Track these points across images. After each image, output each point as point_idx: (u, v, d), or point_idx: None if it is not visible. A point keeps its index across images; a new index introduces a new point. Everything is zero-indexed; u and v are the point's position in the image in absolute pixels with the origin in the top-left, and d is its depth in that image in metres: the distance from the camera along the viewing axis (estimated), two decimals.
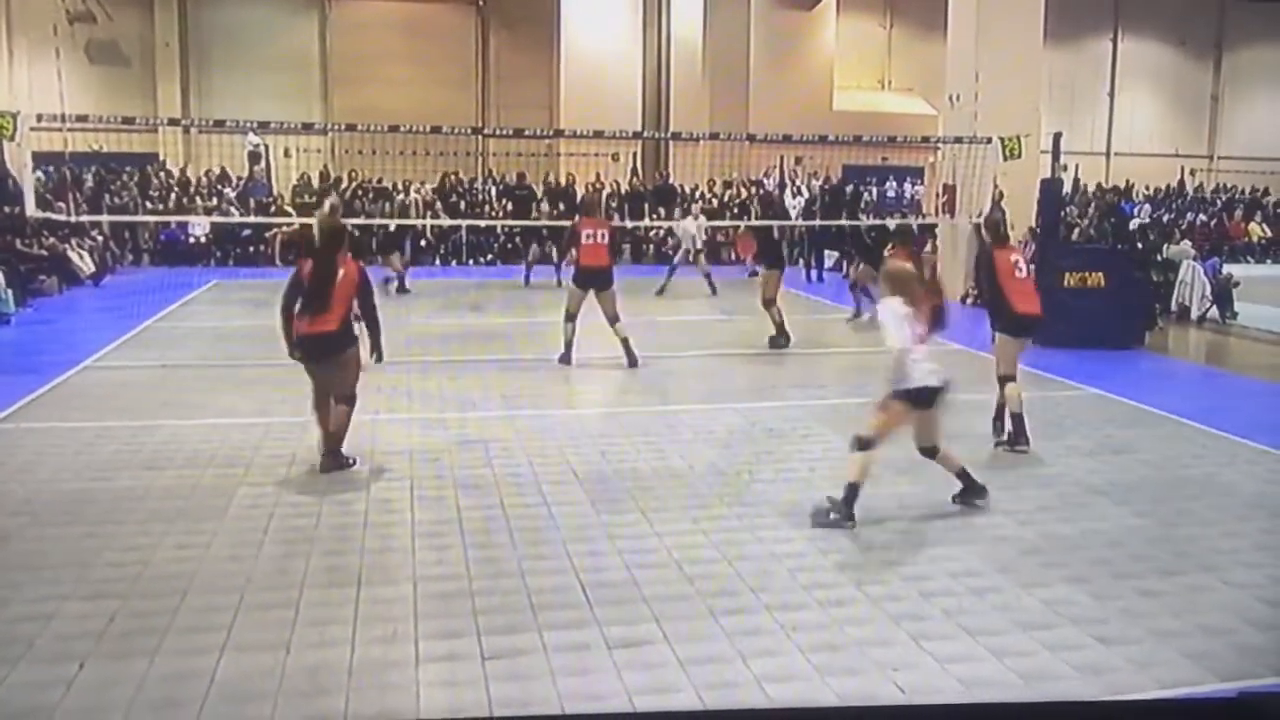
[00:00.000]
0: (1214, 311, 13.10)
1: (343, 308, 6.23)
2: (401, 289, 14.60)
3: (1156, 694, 3.78)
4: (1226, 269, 13.88)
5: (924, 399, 5.40)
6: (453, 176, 20.52)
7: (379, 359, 6.56)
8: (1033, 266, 7.32)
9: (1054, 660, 3.99)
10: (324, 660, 3.92)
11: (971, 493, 5.72)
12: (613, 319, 9.54)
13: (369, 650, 3.99)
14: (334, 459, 6.27)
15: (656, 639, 4.09)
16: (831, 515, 5.38)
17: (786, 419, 7.57)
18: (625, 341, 9.50)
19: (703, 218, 17.92)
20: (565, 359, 9.59)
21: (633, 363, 9.44)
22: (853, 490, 5.37)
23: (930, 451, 5.63)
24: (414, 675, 3.82)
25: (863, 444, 5.43)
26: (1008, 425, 7.07)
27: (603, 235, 9.62)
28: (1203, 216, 24.35)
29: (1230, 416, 7.75)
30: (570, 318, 9.59)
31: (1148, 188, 26.46)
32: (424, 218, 19.26)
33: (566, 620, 4.24)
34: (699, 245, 16.80)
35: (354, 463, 6.34)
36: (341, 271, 6.22)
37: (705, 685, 3.75)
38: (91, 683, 3.72)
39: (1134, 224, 17.08)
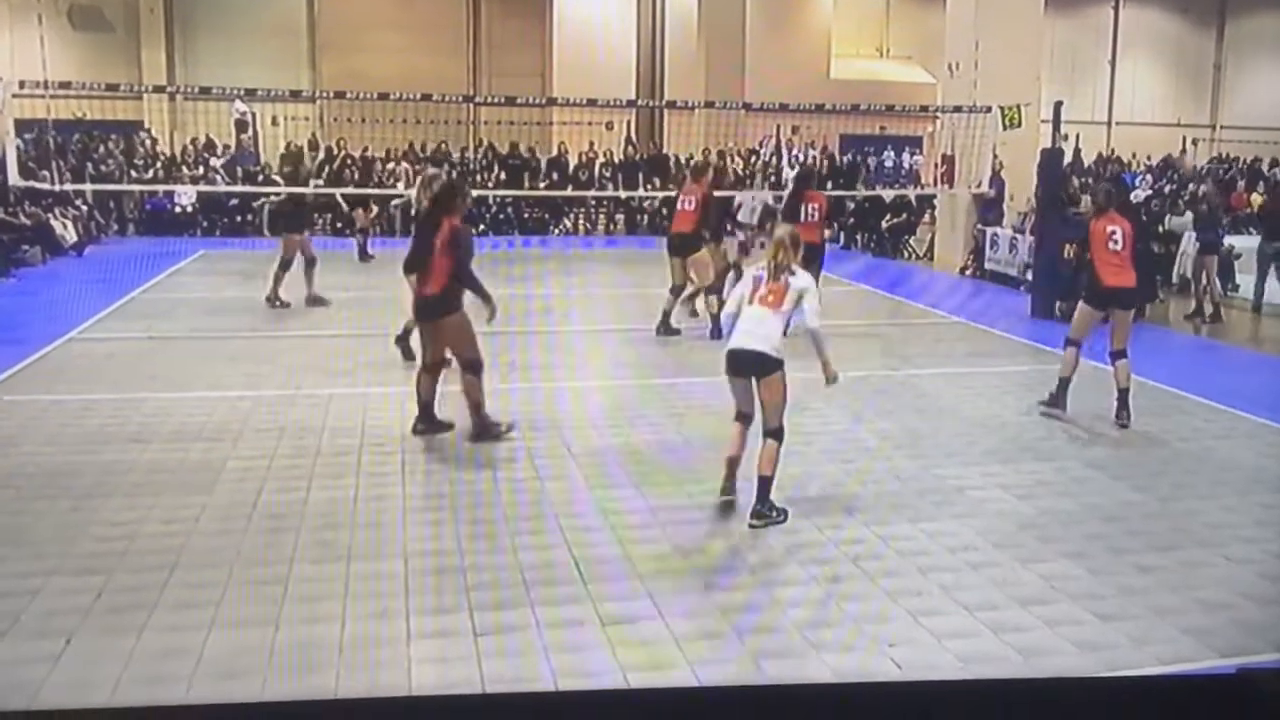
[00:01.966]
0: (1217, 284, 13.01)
1: (445, 272, 6.18)
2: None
3: (1155, 670, 3.75)
4: (1228, 240, 13.78)
5: (732, 364, 5.05)
6: (443, 145, 20.29)
7: (490, 317, 6.34)
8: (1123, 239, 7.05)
9: (1052, 636, 3.95)
10: (314, 636, 3.87)
11: (758, 512, 5.00)
12: (677, 288, 9.39)
13: (359, 626, 3.94)
14: (433, 425, 6.25)
15: (651, 615, 4.04)
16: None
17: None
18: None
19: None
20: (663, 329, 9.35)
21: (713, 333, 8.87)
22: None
23: (746, 417, 5.16)
24: (405, 651, 3.78)
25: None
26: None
27: (690, 201, 9.39)
28: (1205, 187, 24.19)
29: (1230, 390, 7.72)
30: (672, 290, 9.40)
31: (1149, 158, 26.31)
32: (413, 187, 19.04)
33: (559, 596, 4.19)
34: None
35: (505, 429, 6.27)
36: (440, 237, 6.19)
37: (700, 661, 3.72)
38: (78, 658, 3.67)
39: (1135, 195, 16.95)
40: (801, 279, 5.13)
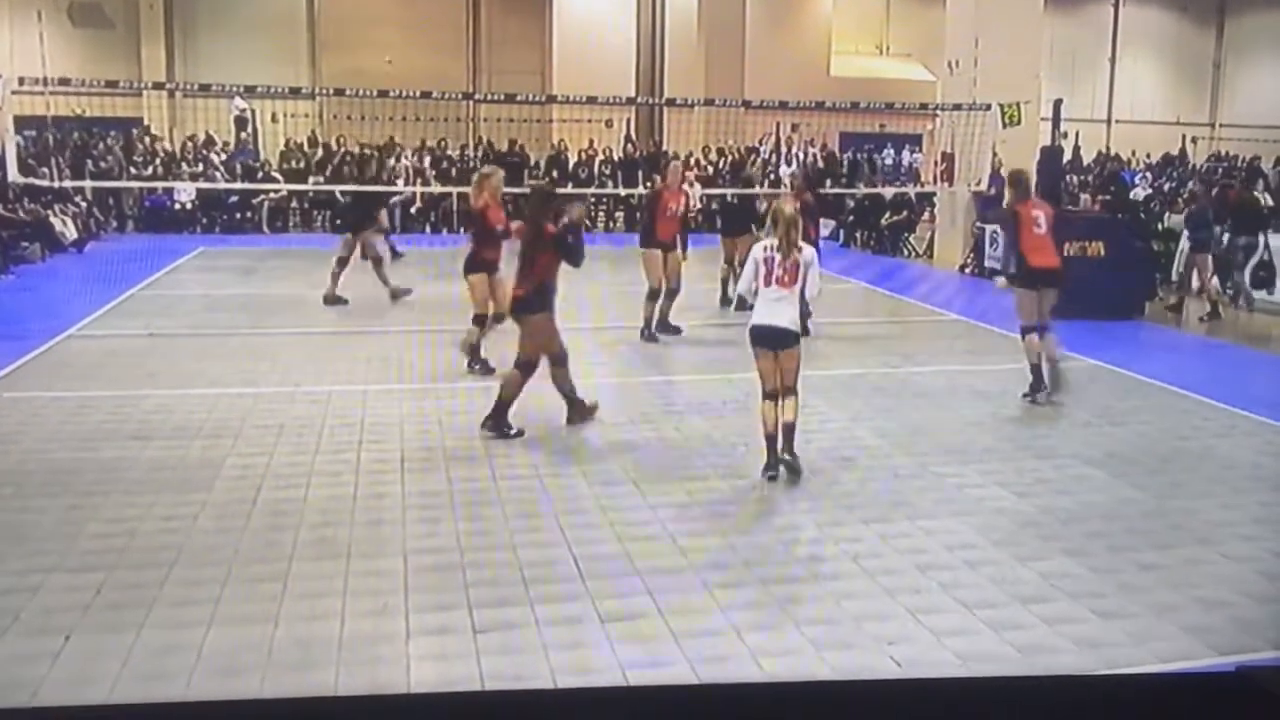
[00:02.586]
0: (1215, 282, 13.02)
1: (540, 273, 6.29)
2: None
3: (1155, 668, 3.75)
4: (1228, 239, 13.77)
5: (762, 338, 5.59)
6: (443, 143, 20.26)
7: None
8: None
9: (1051, 634, 3.95)
10: (313, 633, 3.87)
11: (790, 465, 5.57)
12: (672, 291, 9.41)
13: (359, 623, 3.94)
14: (501, 427, 6.28)
15: (650, 612, 4.04)
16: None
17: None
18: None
19: (698, 185, 17.76)
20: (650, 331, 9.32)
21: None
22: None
23: (781, 394, 5.59)
24: (404, 649, 3.78)
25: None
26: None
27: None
28: (1194, 186, 24.19)
29: (1230, 388, 7.71)
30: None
31: (1148, 156, 26.30)
32: (413, 184, 19.05)
33: (559, 593, 4.19)
34: (694, 212, 16.64)
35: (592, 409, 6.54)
36: (541, 241, 6.34)
37: (699, 659, 3.72)
38: (78, 655, 3.67)
39: (1135, 193, 16.96)
40: (807, 252, 5.69)
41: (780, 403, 5.59)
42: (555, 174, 19.85)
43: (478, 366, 7.80)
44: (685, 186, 9.83)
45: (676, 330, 9.29)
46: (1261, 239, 12.39)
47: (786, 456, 5.57)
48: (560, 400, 6.55)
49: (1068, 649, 3.85)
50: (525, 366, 6.36)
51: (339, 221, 11.85)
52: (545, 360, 6.44)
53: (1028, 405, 7.27)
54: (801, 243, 5.68)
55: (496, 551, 4.60)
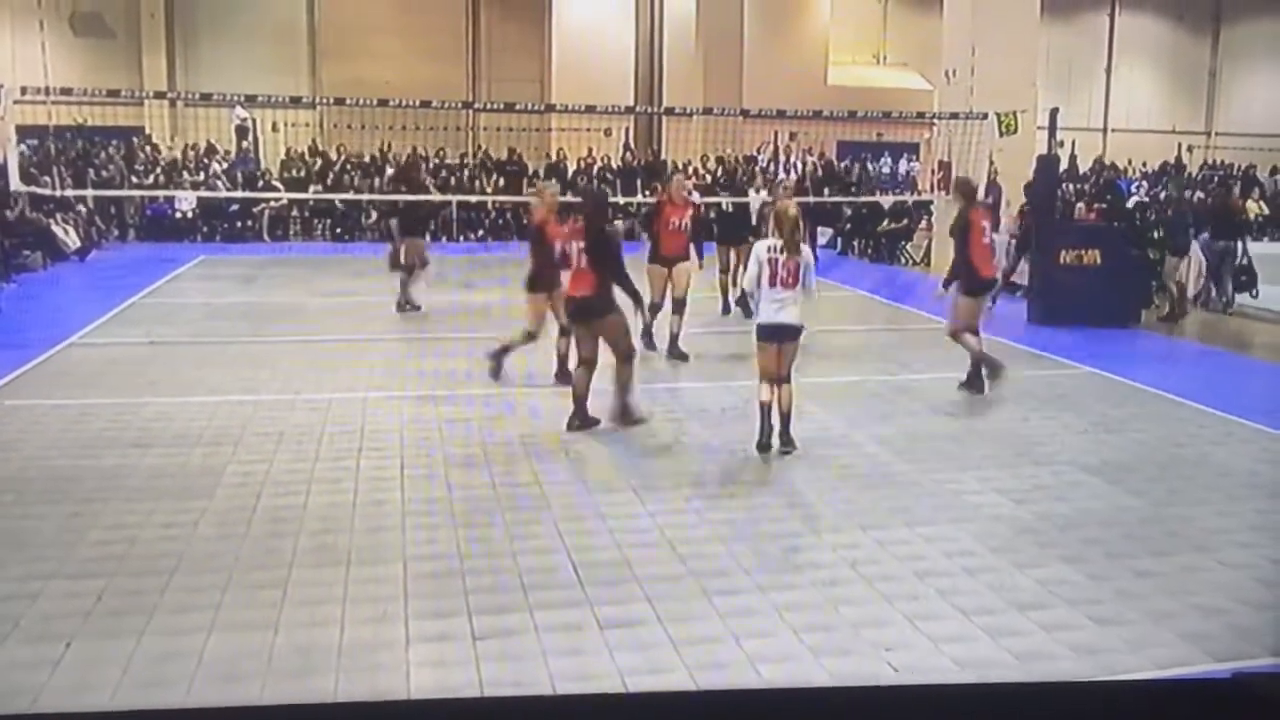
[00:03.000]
0: (1211, 289, 13.10)
1: (597, 276, 6.53)
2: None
3: (1151, 674, 3.76)
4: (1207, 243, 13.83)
5: (771, 334, 6.11)
6: (441, 152, 20.30)
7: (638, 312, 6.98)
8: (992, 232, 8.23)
9: (1049, 640, 3.97)
10: (313, 640, 3.88)
11: (786, 441, 6.18)
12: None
13: (359, 630, 3.95)
14: (586, 421, 6.63)
15: (649, 619, 4.06)
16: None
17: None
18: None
19: (696, 194, 17.78)
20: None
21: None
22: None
23: (778, 381, 6.15)
24: (404, 655, 3.79)
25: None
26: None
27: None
28: (1199, 194, 24.28)
29: (1226, 395, 7.74)
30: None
31: (1144, 164, 26.37)
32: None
33: (558, 600, 4.21)
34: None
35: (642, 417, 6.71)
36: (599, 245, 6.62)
37: (698, 665, 3.73)
38: (78, 662, 3.68)
39: (1131, 201, 17.00)
40: (806, 253, 6.15)
41: (777, 390, 6.12)
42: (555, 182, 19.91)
43: (492, 365, 7.83)
44: (685, 195, 9.63)
45: (684, 357, 8.93)
46: (1239, 244, 12.57)
47: (786, 447, 6.12)
48: (574, 408, 6.68)
49: (1065, 656, 3.86)
50: (628, 356, 6.72)
51: (391, 229, 12.18)
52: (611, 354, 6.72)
53: (1025, 413, 7.30)
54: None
55: (496, 558, 4.61)
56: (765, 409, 6.12)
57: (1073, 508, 5.41)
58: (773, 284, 6.05)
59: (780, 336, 6.13)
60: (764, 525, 5.08)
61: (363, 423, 6.70)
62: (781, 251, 6.04)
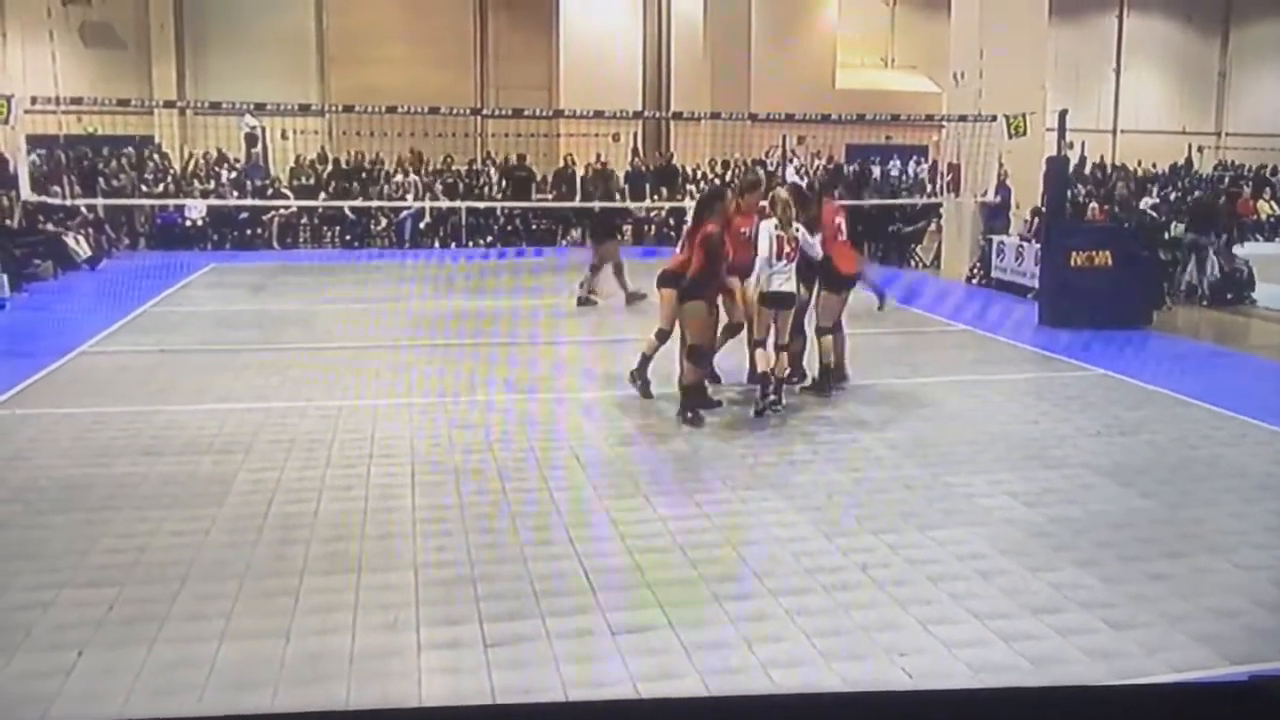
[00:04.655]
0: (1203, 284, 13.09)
1: (697, 264, 7.04)
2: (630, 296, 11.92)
3: (1167, 678, 3.74)
4: (1234, 247, 13.78)
5: (774, 301, 6.94)
6: (448, 159, 20.34)
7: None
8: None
9: (1063, 644, 3.94)
10: (324, 647, 3.87)
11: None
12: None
13: (370, 637, 3.94)
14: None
15: (660, 624, 4.04)
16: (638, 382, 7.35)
17: (790, 401, 7.51)
18: None
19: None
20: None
21: None
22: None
23: (782, 347, 7.10)
24: (415, 662, 3.78)
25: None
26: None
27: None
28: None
29: (1239, 397, 7.68)
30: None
31: (1154, 165, 26.27)
32: (422, 200, 19.15)
33: (570, 606, 4.20)
34: None
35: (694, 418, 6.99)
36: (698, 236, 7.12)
37: (710, 671, 3.71)
38: (90, 671, 3.68)
39: (1143, 203, 16.95)
40: (800, 229, 7.06)
41: (776, 356, 7.05)
42: (564, 188, 19.94)
43: (639, 383, 7.57)
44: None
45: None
46: (1214, 238, 12.64)
47: (777, 406, 7.01)
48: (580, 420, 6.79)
49: (1080, 659, 3.84)
50: (661, 335, 7.39)
51: (586, 233, 13.32)
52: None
53: (1036, 415, 7.27)
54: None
55: (507, 564, 4.61)
56: (764, 380, 6.99)
57: (1085, 510, 5.38)
58: (778, 257, 6.92)
59: (782, 303, 7.01)
60: (775, 529, 5.06)
61: (373, 430, 6.70)
62: (779, 228, 6.91)
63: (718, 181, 17.92)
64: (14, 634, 3.91)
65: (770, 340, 7.08)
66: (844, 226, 7.85)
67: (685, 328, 7.10)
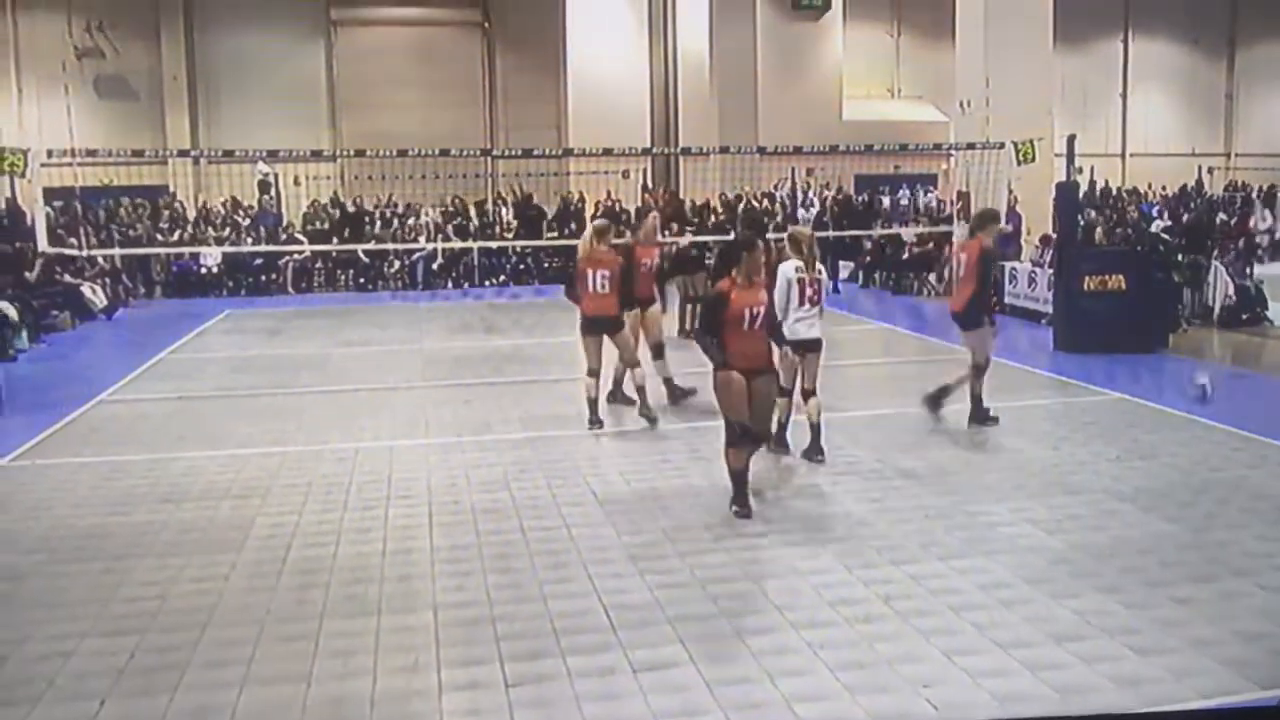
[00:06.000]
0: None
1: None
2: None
3: (1196, 704, 3.68)
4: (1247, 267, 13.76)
5: (797, 346, 6.67)
6: (458, 200, 20.52)
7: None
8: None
9: (1089, 672, 3.89)
10: (346, 691, 3.87)
11: (817, 451, 6.77)
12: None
13: (391, 680, 3.94)
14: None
15: (682, 661, 4.02)
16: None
17: (807, 434, 7.48)
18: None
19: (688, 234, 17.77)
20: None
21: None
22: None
23: (809, 392, 6.83)
24: (437, 704, 3.77)
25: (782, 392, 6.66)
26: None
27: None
28: (1222, 215, 24.14)
29: (1260, 419, 7.61)
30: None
31: (1164, 188, 26.26)
32: (434, 241, 19.31)
33: (590, 644, 4.18)
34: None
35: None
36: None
37: (733, 706, 3.69)
38: None
39: (1155, 226, 16.93)
40: (822, 271, 6.83)
41: (805, 404, 6.81)
42: (573, 225, 20.05)
43: (679, 393, 8.46)
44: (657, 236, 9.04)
45: (690, 392, 8.55)
46: (1211, 260, 12.64)
47: (818, 457, 6.72)
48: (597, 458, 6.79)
49: (1107, 687, 3.79)
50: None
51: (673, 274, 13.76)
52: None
53: (1056, 441, 7.24)
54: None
55: (527, 604, 4.60)
56: (816, 429, 6.80)
57: (1108, 536, 5.33)
58: (801, 302, 6.64)
59: (811, 348, 6.75)
60: (795, 562, 5.03)
61: (390, 471, 6.72)
62: (804, 271, 6.62)
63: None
64: (36, 684, 3.93)
65: (797, 385, 6.87)
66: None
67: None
